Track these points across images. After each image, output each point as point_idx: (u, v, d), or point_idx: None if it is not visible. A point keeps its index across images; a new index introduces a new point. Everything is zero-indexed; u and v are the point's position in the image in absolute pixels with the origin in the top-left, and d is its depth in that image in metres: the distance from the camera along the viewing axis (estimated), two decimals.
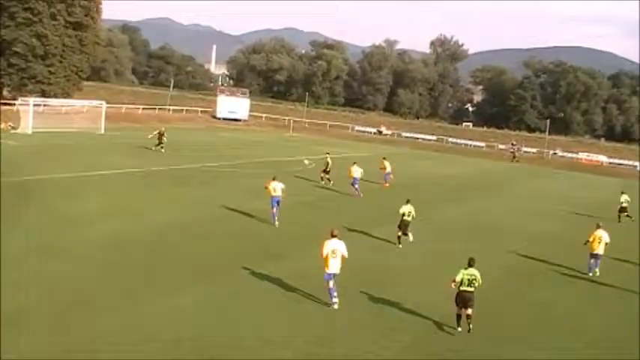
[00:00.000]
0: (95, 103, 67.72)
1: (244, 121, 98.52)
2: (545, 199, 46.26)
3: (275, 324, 16.11)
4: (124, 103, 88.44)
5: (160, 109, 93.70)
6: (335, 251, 17.53)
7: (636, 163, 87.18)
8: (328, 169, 41.07)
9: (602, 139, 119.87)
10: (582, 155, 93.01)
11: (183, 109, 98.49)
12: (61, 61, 75.53)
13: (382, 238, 26.42)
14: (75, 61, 77.36)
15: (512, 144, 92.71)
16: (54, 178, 33.97)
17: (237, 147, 61.39)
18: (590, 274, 23.55)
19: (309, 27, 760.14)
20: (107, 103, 68.25)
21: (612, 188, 53.38)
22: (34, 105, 58.51)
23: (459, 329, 16.64)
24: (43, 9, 71.74)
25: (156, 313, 16.00)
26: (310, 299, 18.03)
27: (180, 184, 36.31)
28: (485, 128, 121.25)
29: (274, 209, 27.00)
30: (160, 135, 49.12)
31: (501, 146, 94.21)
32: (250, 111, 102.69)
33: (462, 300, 16.66)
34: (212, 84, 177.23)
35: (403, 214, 25.59)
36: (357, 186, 37.51)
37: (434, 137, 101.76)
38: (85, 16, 76.33)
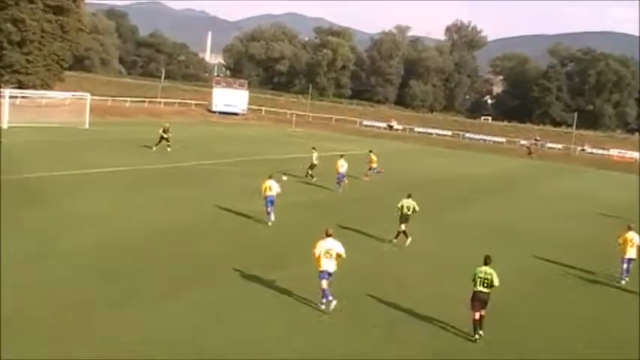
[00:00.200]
0: (78, 94, 67.87)
1: (242, 114, 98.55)
2: (569, 199, 46.16)
3: (274, 331, 16.27)
4: (110, 96, 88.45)
5: (149, 101, 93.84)
6: (329, 251, 17.89)
7: None
8: (313, 165, 42.16)
9: (637, 134, 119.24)
10: (613, 152, 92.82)
11: (175, 102, 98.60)
12: (40, 49, 75.46)
13: (388, 241, 26.38)
14: (55, 48, 77.30)
15: (536, 139, 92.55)
16: (32, 178, 33.91)
17: (234, 143, 61.34)
18: (623, 282, 23.38)
19: (313, 12, 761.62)
20: (92, 95, 68.31)
21: None
22: (10, 97, 58.55)
23: (479, 334, 16.72)
24: None
25: (152, 318, 16.20)
26: (309, 305, 18.04)
27: (173, 183, 36.29)
28: (505, 122, 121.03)
29: (268, 208, 27.61)
30: (164, 131, 48.88)
31: (523, 142, 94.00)
32: (249, 104, 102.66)
33: (477, 301, 16.73)
34: (207, 74, 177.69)
35: (402, 208, 26.27)
36: (344, 180, 39.18)
37: (449, 132, 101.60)
38: None
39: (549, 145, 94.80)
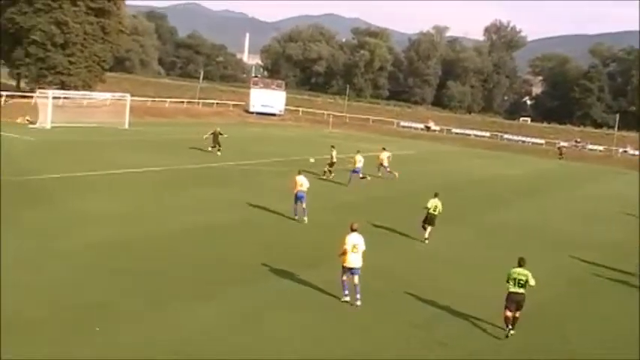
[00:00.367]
0: (118, 95, 68.92)
1: (279, 115, 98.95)
2: (607, 201, 45.78)
3: (309, 335, 16.25)
4: (149, 96, 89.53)
5: (188, 102, 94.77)
6: (356, 246, 18.24)
7: None
8: (332, 163, 42.61)
9: None
10: None
11: (213, 103, 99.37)
12: (82, 51, 76.65)
13: (423, 242, 26.43)
14: (97, 50, 78.46)
15: (577, 141, 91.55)
16: (73, 177, 34.58)
17: (270, 144, 61.73)
18: None
19: (351, 13, 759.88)
20: (131, 95, 69.21)
21: None
22: (54, 98, 59.60)
23: (510, 330, 16.85)
24: None
25: (187, 319, 16.24)
26: (346, 309, 18.08)
27: (208, 183, 36.67)
28: (545, 124, 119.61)
29: (297, 204, 28.13)
30: (215, 135, 48.72)
31: (563, 143, 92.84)
32: (286, 104, 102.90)
33: (512, 301, 16.83)
34: (245, 75, 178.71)
35: (428, 208, 26.58)
36: (360, 174, 40.34)
37: (487, 134, 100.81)
38: (108, 1, 77.45)
39: (590, 146, 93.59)
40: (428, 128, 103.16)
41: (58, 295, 17.06)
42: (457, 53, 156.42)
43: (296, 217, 28.36)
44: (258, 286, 19.33)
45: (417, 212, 28.00)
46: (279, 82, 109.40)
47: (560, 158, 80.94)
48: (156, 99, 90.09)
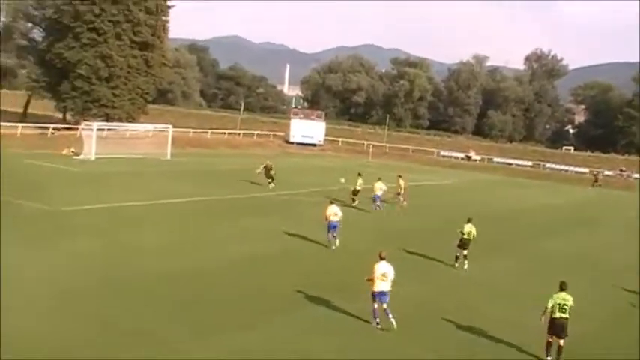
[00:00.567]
0: (161, 127, 69.92)
1: (319, 145, 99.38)
2: None
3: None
4: (191, 128, 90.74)
5: (229, 133, 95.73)
6: (385, 274, 18.54)
7: None
8: (357, 191, 42.89)
9: None
10: None
11: (253, 134, 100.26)
12: (125, 83, 78.11)
13: (454, 266, 26.25)
14: (140, 82, 79.89)
15: (621, 170, 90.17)
16: (117, 207, 35.10)
17: (310, 174, 61.95)
18: None
19: (390, 43, 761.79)
20: (173, 127, 70.27)
21: None
22: (98, 130, 60.74)
23: (549, 358, 16.65)
24: (109, 29, 74.60)
25: (223, 350, 16.31)
26: (381, 335, 18.03)
27: (250, 213, 36.91)
28: (588, 153, 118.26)
29: (330, 234, 28.59)
30: (267, 169, 48.61)
31: (607, 172, 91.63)
32: (326, 135, 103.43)
33: (555, 327, 16.70)
34: (285, 106, 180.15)
35: (462, 233, 26.94)
36: (378, 202, 41.14)
37: (529, 163, 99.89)
38: (152, 35, 78.94)
39: (635, 175, 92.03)
40: (469, 158, 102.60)
41: (105, 321, 17.38)
42: (497, 82, 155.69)
43: (333, 248, 28.66)
44: (297, 314, 19.42)
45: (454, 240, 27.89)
46: (319, 112, 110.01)
47: (595, 185, 79.95)
48: (197, 130, 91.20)
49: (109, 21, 74.58)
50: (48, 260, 22.89)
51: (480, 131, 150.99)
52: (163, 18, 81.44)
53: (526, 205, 53.75)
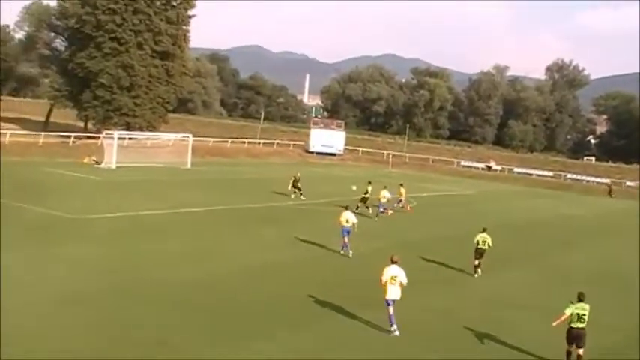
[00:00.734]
0: (181, 136, 70.25)
1: (339, 155, 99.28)
2: None
3: None
4: (211, 137, 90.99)
5: (249, 142, 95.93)
6: (394, 277, 18.83)
7: None
8: (365, 199, 43.28)
9: None
10: None
11: (273, 143, 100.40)
12: (146, 93, 78.62)
13: (473, 275, 26.03)
14: (161, 92, 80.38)
15: None
16: (138, 216, 35.25)
17: (330, 183, 61.89)
18: None
19: (410, 53, 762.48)
20: (194, 136, 70.55)
21: None
22: (119, 138, 61.13)
23: None
24: (130, 38, 75.21)
25: (245, 358, 16.31)
26: (405, 344, 17.89)
27: (269, 222, 36.91)
28: (610, 163, 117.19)
29: (345, 238, 29.22)
30: (295, 181, 48.42)
31: (630, 183, 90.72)
32: (346, 145, 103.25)
33: (573, 337, 16.75)
34: (305, 116, 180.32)
35: (477, 242, 27.34)
36: (382, 209, 42.18)
37: (550, 173, 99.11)
38: (173, 45, 79.48)
39: None
40: (489, 168, 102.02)
41: (119, 330, 17.36)
42: (518, 92, 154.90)
43: (342, 252, 29.22)
44: (316, 325, 19.37)
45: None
46: (339, 122, 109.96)
47: (609, 196, 79.53)
48: (217, 139, 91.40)
49: (131, 30, 75.18)
50: (68, 267, 22.97)
51: (500, 141, 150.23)
52: (184, 27, 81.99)
53: (547, 216, 53.32)
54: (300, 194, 47.47)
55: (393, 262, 19.18)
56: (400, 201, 46.23)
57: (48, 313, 18.16)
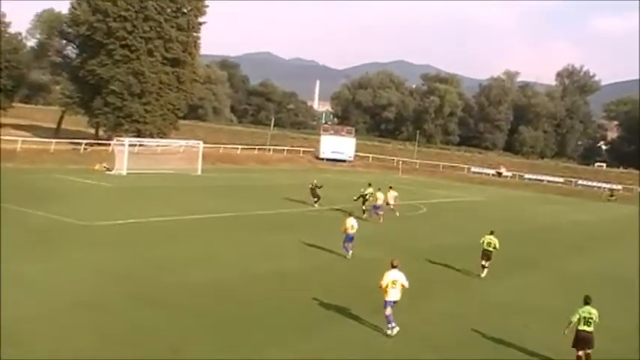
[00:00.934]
0: (192, 142, 70.46)
1: (349, 161, 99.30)
2: None
3: None
4: (221, 143, 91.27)
5: (259, 149, 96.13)
6: (395, 282, 19.26)
7: None
8: (365, 199, 44.27)
9: None
10: None
11: (284, 150, 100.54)
12: (157, 99, 78.80)
13: (479, 277, 25.99)
14: (171, 98, 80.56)
15: None
16: (149, 222, 35.38)
17: (340, 190, 61.76)
18: None
19: (420, 59, 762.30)
20: (204, 142, 70.80)
21: None
22: (130, 145, 61.39)
23: None
24: (141, 45, 75.48)
25: None
26: (416, 353, 17.86)
27: (280, 229, 36.97)
28: (621, 169, 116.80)
29: (347, 244, 29.83)
30: (313, 189, 48.05)
31: None
32: (356, 151, 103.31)
33: (581, 341, 16.81)
34: (315, 122, 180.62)
35: (484, 244, 27.96)
36: (378, 211, 42.55)
37: (561, 179, 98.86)
38: (183, 52, 79.69)
39: None
40: (499, 174, 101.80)
41: (130, 335, 17.50)
42: (529, 98, 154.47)
43: (348, 256, 29.70)
44: (324, 330, 19.38)
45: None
46: (349, 128, 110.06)
47: (609, 200, 79.86)
48: (228, 146, 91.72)
49: (141, 37, 75.42)
50: (79, 273, 23.11)
51: (510, 147, 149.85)
52: (195, 34, 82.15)
53: (557, 222, 53.16)
54: (315, 202, 47.02)
55: (393, 267, 19.60)
56: (388, 203, 45.20)
57: (58, 318, 18.28)
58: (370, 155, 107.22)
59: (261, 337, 18.45)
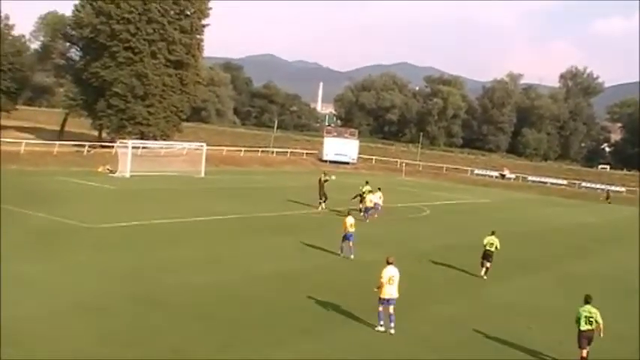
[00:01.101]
0: (195, 145, 70.54)
1: (353, 164, 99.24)
2: None
3: None
4: (225, 145, 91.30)
5: (262, 151, 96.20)
6: (392, 278, 19.52)
7: None
8: (362, 197, 44.56)
9: None
10: None
11: (287, 152, 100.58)
12: (160, 102, 78.90)
13: (482, 278, 26.02)
14: (175, 101, 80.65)
15: None
16: (152, 224, 35.43)
17: (343, 192, 61.73)
18: None
19: (424, 61, 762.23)
20: (207, 144, 70.78)
21: None
22: (133, 147, 61.37)
23: None
24: (144, 47, 75.58)
25: None
26: (421, 356, 17.89)
27: (282, 231, 36.98)
28: (625, 171, 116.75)
29: (345, 243, 30.07)
30: (321, 186, 47.82)
31: None
32: (359, 153, 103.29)
33: (584, 339, 17.05)
34: (318, 124, 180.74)
35: (485, 245, 28.08)
36: (370, 212, 43.03)
37: (564, 181, 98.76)
38: (186, 54, 79.80)
39: None
40: (503, 176, 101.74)
41: (133, 336, 17.52)
42: (532, 100, 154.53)
43: (341, 254, 30.02)
44: (327, 332, 19.37)
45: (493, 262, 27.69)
46: (353, 130, 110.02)
47: (606, 201, 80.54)
48: (231, 148, 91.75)
49: (145, 40, 75.52)
50: (82, 275, 23.15)
51: (514, 149, 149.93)
52: (198, 37, 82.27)
53: (560, 224, 53.12)
54: (321, 202, 46.97)
55: (389, 263, 19.81)
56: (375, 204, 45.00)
57: (59, 318, 18.32)
58: (373, 157, 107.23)
59: (262, 337, 18.48)
